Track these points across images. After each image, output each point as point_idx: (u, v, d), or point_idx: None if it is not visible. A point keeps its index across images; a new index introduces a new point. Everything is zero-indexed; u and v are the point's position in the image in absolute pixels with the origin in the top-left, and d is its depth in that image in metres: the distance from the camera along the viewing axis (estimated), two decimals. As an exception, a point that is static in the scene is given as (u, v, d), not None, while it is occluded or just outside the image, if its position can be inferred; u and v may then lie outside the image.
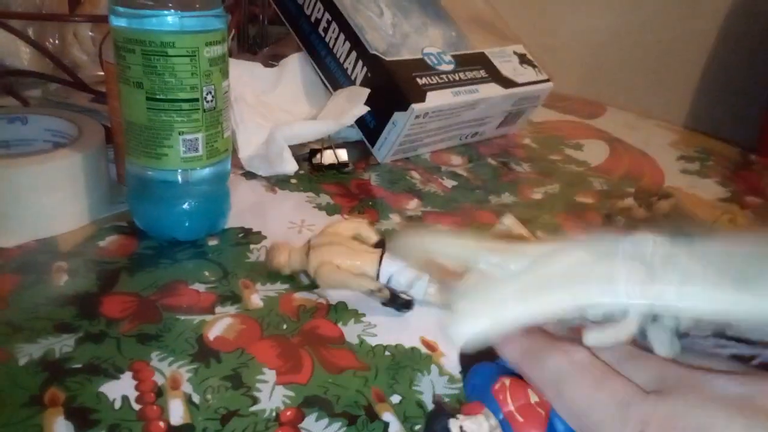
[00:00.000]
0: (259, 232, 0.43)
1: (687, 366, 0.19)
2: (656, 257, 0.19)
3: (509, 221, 0.39)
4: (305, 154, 0.54)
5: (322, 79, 0.59)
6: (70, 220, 0.41)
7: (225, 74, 0.38)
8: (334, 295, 0.37)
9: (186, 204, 0.39)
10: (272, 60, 0.66)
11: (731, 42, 1.29)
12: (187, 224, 0.40)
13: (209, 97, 0.37)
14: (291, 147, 0.51)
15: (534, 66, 0.64)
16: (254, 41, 0.77)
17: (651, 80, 1.23)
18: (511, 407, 0.22)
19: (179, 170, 0.38)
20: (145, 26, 0.34)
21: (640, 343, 0.20)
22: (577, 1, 1.10)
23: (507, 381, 0.22)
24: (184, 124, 0.37)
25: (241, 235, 0.42)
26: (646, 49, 1.19)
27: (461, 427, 0.23)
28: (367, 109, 0.53)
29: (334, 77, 0.58)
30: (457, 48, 0.60)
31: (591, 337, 0.20)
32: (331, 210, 0.48)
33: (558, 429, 0.20)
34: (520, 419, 0.21)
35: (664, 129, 0.74)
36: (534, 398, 0.22)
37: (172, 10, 0.34)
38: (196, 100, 0.37)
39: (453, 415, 0.23)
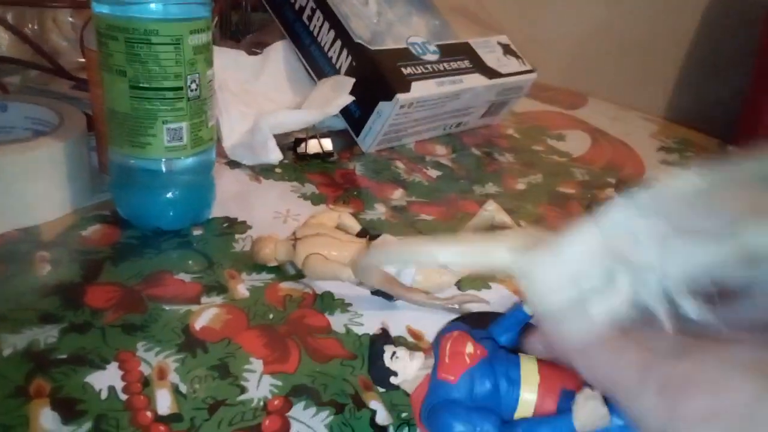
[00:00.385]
0: (244, 222, 0.43)
1: (699, 336, 0.20)
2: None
3: (492, 208, 0.40)
4: (290, 143, 0.54)
5: (306, 68, 0.59)
6: (52, 208, 0.40)
7: (209, 63, 0.38)
8: (322, 286, 0.37)
9: (170, 193, 0.39)
10: (255, 48, 0.66)
11: (711, 34, 1.31)
12: (171, 214, 0.40)
13: (193, 86, 0.37)
14: (275, 136, 0.51)
15: (518, 56, 0.64)
16: (237, 28, 0.76)
17: (633, 72, 1.24)
18: (447, 351, 0.24)
19: (163, 159, 0.38)
20: (128, 13, 0.34)
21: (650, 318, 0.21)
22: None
23: (456, 333, 0.25)
24: (168, 113, 0.36)
25: (225, 225, 0.42)
26: (628, 40, 1.21)
27: (394, 353, 0.25)
28: (352, 98, 0.53)
29: (318, 66, 0.57)
30: (441, 37, 0.60)
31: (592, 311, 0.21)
32: (316, 199, 0.48)
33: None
34: (447, 361, 0.24)
35: (645, 120, 0.75)
36: (469, 349, 0.24)
37: (156, -3, 0.34)
38: (180, 88, 0.36)
39: (391, 343, 0.26)
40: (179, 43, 0.35)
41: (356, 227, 0.39)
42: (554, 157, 0.62)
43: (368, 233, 0.38)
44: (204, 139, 0.39)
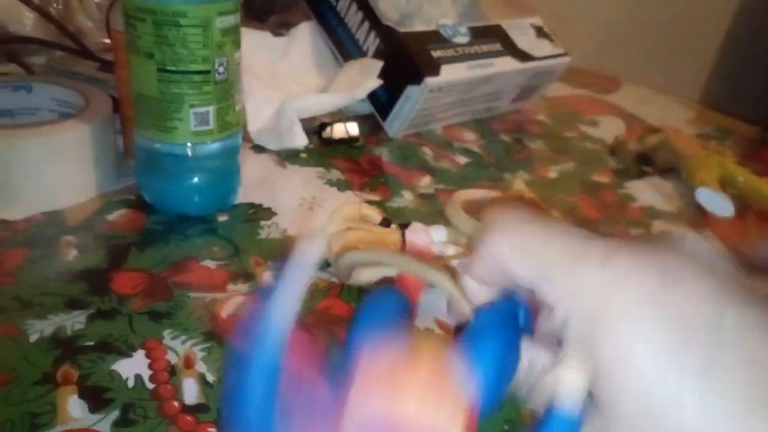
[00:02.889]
0: (269, 208, 0.42)
1: None
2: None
3: (519, 185, 0.39)
4: (315, 127, 0.53)
5: (332, 50, 0.57)
6: (78, 192, 0.40)
7: (237, 45, 0.37)
8: (363, 280, 0.36)
9: (195, 179, 0.38)
10: (280, 29, 0.64)
11: (751, 15, 1.26)
12: (196, 199, 0.39)
13: (221, 69, 0.36)
14: (301, 120, 0.50)
15: (551, 39, 0.62)
16: (261, 8, 0.75)
17: (667, 53, 1.20)
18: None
19: (189, 144, 0.37)
20: (154, -7, 0.33)
21: None
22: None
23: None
24: (195, 97, 0.36)
25: (251, 211, 0.42)
26: (662, 21, 1.16)
27: None
28: (380, 82, 0.51)
29: (345, 48, 0.56)
30: (472, 19, 0.58)
31: None
32: (342, 186, 0.47)
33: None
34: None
35: (681, 105, 0.73)
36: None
37: (183, -23, 0.33)
38: (208, 72, 0.35)
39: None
40: (208, 26, 0.34)
41: (377, 216, 0.38)
42: (587, 143, 0.60)
43: (390, 222, 0.37)
44: (231, 123, 0.38)
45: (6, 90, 0.43)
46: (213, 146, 0.38)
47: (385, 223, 0.38)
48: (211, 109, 0.37)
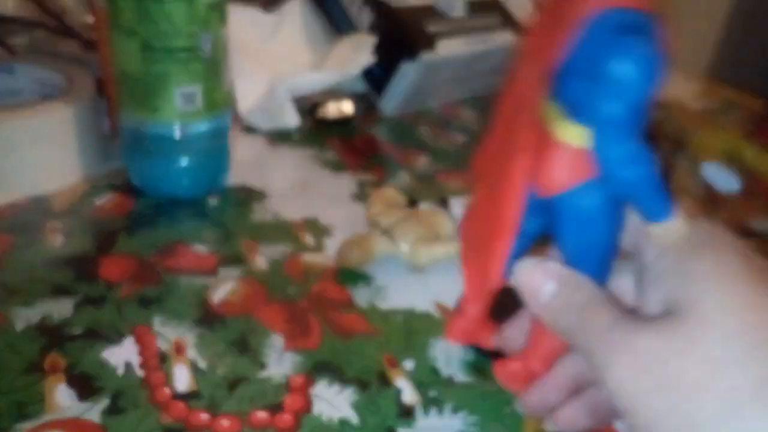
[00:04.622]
0: (261, 191, 0.41)
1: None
2: None
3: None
4: (307, 106, 0.52)
5: (324, 26, 0.56)
6: (63, 176, 0.39)
7: (224, 21, 0.36)
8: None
9: (184, 160, 0.37)
10: (271, 5, 0.63)
11: None
12: (185, 182, 0.38)
13: (208, 46, 0.35)
14: (292, 99, 0.48)
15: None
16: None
17: (674, 24, 1.18)
18: None
19: (176, 125, 0.36)
20: (135, -34, 0.32)
21: None
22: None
23: None
24: (181, 75, 0.34)
25: (242, 194, 0.41)
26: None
27: None
28: (373, 58, 0.50)
29: (337, 23, 0.54)
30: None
31: None
32: (337, 167, 0.45)
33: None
34: None
35: (687, 80, 0.71)
36: None
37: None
38: (194, 48, 0.34)
39: None
40: (192, 0, 0.33)
41: (401, 198, 0.38)
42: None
43: (416, 202, 0.37)
44: (219, 103, 0.37)
45: (-13, 71, 0.41)
46: (201, 127, 0.37)
47: (412, 203, 0.38)
48: (198, 88, 0.35)
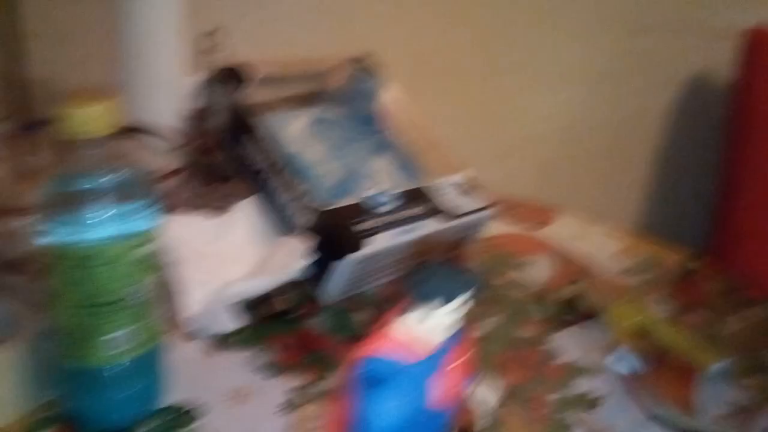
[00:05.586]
0: (193, 410, 0.43)
1: None
2: None
3: None
4: (249, 302, 0.55)
5: (273, 225, 0.61)
6: (4, 413, 0.41)
7: (155, 268, 0.40)
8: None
9: (113, 395, 0.40)
10: (225, 196, 0.68)
11: (680, 140, 1.35)
12: (114, 415, 0.40)
13: (135, 295, 0.39)
14: (232, 303, 0.52)
15: (475, 193, 0.66)
16: (208, 171, 0.79)
17: (603, 179, 1.27)
18: None
19: (104, 366, 0.39)
20: (66, 241, 0.36)
21: None
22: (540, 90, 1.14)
23: None
24: (107, 326, 0.38)
25: (173, 417, 0.43)
26: (597, 146, 1.24)
27: None
28: (307, 262, 0.54)
29: (282, 223, 0.59)
30: (406, 172, 0.62)
31: None
32: (272, 370, 0.48)
33: None
34: None
35: (611, 239, 0.76)
36: None
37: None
38: (120, 300, 0.38)
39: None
40: (117, 262, 0.37)
41: None
42: (514, 292, 0.63)
43: None
44: (147, 338, 0.40)
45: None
46: (129, 363, 0.40)
47: None
48: (124, 331, 0.39)
